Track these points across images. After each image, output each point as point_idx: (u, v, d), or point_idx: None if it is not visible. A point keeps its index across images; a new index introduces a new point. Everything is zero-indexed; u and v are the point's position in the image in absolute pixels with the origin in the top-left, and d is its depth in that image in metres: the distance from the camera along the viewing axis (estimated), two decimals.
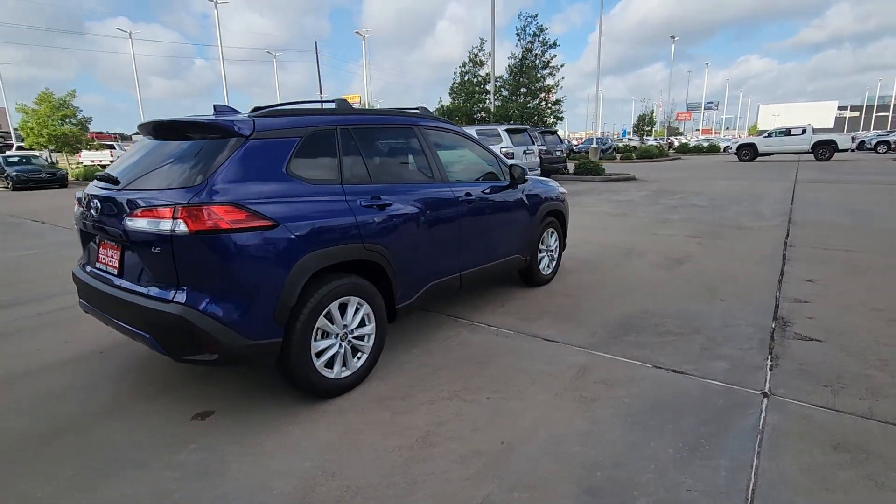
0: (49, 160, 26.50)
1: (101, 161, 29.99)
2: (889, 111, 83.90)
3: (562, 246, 5.03)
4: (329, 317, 2.60)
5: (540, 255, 4.65)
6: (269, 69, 43.28)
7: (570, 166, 18.54)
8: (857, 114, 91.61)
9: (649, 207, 9.88)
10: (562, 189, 5.05)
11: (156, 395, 2.83)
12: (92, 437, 2.43)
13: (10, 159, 21.06)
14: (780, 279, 4.78)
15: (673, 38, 45.09)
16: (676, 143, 49.68)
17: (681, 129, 79.14)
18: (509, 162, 4.18)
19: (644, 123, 49.09)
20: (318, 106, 3.13)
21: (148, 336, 2.30)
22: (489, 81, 20.42)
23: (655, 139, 53.65)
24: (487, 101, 20.46)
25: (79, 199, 2.75)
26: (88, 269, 2.76)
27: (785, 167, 20.27)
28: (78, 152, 30.12)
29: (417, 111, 3.57)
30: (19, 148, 31.40)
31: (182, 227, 2.12)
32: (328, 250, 2.51)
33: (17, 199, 15.15)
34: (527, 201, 4.27)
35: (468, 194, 3.54)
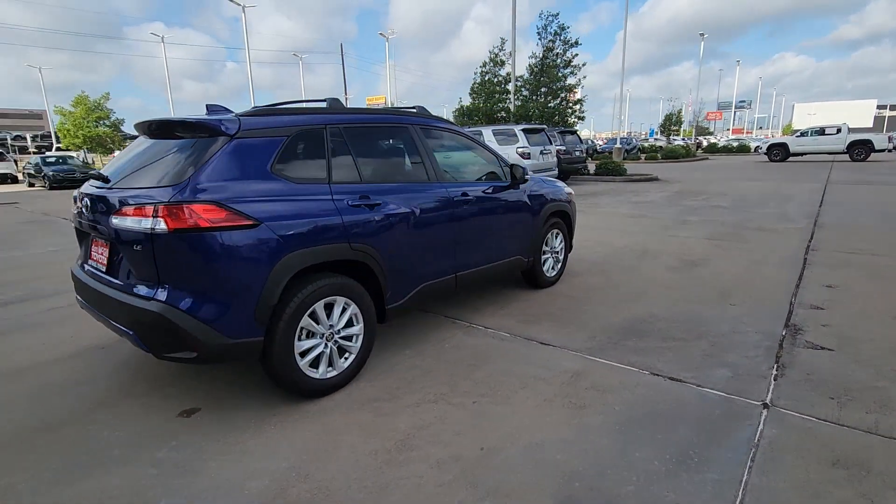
0: (84, 160, 27.54)
1: None
2: None
3: (568, 247, 4.93)
4: (314, 316, 2.59)
5: (544, 257, 4.56)
6: (297, 71, 44.05)
7: (592, 167, 18.28)
8: None
9: (669, 209, 9.63)
10: (568, 189, 4.95)
11: (148, 390, 2.87)
12: (82, 430, 2.48)
13: (48, 160, 21.99)
14: (797, 284, 4.57)
15: (702, 35, 43.86)
16: (705, 143, 48.42)
17: (711, 129, 77.14)
18: (511, 161, 4.11)
19: (671, 123, 47.95)
20: (317, 105, 3.13)
21: (132, 333, 2.33)
22: (510, 81, 20.26)
23: (683, 139, 52.42)
24: (508, 102, 20.30)
25: (74, 198, 2.82)
26: (84, 266, 2.82)
27: (817, 168, 19.50)
28: (111, 153, 31.22)
29: (414, 110, 3.54)
30: (58, 149, 32.76)
31: (162, 225, 2.14)
32: (311, 250, 2.50)
33: (53, 198, 15.79)
34: (529, 202, 4.19)
35: (465, 194, 3.49)
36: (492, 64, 21.25)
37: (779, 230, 7.13)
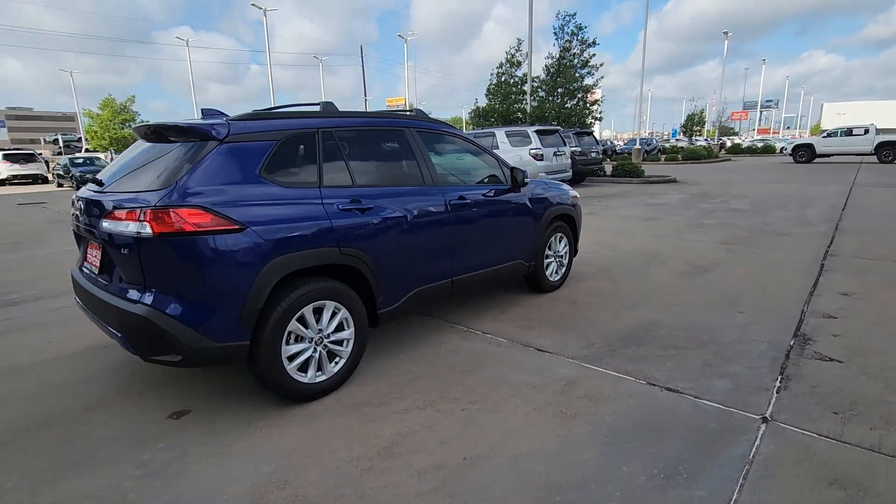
0: (110, 161, 28.32)
1: None
2: None
3: (572, 252, 4.85)
4: (302, 321, 2.59)
5: (547, 261, 4.49)
6: (318, 73, 44.54)
7: (609, 168, 18.04)
8: None
9: (684, 211, 9.42)
10: (573, 193, 4.87)
11: (143, 391, 2.91)
12: (74, 430, 2.52)
13: (76, 161, 22.71)
14: (811, 291, 4.41)
15: (726, 33, 42.89)
16: (728, 144, 47.34)
17: (736, 129, 75.40)
18: (514, 164, 4.05)
19: (693, 123, 46.99)
20: (317, 109, 3.12)
21: (120, 335, 2.36)
22: (526, 82, 20.13)
23: (706, 139, 51.34)
24: (524, 103, 20.16)
25: (72, 202, 2.87)
26: (82, 269, 2.87)
27: (844, 169, 18.89)
28: None
29: (411, 113, 3.52)
30: (86, 150, 33.77)
31: (147, 229, 2.16)
32: (299, 254, 2.50)
33: None
34: (530, 205, 4.13)
35: (461, 198, 3.46)
36: (508, 65, 21.15)
37: (797, 234, 6.91)
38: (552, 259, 4.56)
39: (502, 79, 21.31)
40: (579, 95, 20.57)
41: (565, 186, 4.86)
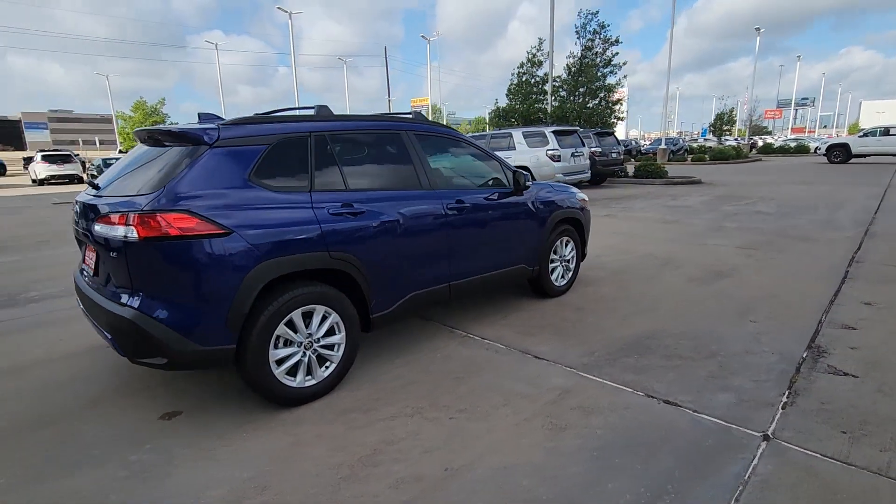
0: None
1: None
2: None
3: (580, 256, 4.74)
4: (291, 325, 2.59)
5: (552, 265, 4.41)
6: (346, 74, 45.06)
7: (631, 169, 17.68)
8: None
9: (706, 214, 9.15)
10: (581, 195, 4.76)
11: (139, 389, 2.96)
12: (70, 428, 2.57)
13: (109, 162, 23.54)
14: (832, 300, 4.20)
15: (758, 30, 41.53)
16: (760, 143, 45.89)
17: (769, 128, 73.05)
18: (513, 167, 3.98)
19: (722, 122, 45.68)
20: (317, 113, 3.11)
21: (109, 337, 2.40)
22: (547, 82, 19.90)
23: (736, 139, 49.89)
24: (544, 103, 19.94)
25: (72, 205, 2.94)
26: (82, 272, 2.94)
27: (881, 170, 18.05)
28: None
29: (411, 116, 3.49)
30: (120, 152, 34.95)
31: (133, 233, 2.18)
32: (286, 258, 2.50)
33: None
34: (534, 208, 4.05)
35: (460, 201, 3.41)
36: (529, 64, 20.95)
37: (823, 239, 6.61)
38: (558, 263, 4.47)
39: (523, 79, 21.12)
40: (601, 95, 20.21)
41: (573, 189, 4.75)
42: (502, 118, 20.77)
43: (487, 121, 24.69)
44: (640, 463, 2.17)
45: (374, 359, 3.30)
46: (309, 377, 2.71)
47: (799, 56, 61.76)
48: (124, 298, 2.31)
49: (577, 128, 13.09)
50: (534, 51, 20.77)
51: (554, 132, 11.38)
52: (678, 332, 3.63)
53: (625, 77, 20.46)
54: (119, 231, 2.22)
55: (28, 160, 31.95)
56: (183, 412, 2.70)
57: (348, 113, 3.22)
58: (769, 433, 2.36)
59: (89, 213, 2.54)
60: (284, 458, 2.27)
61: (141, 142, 2.91)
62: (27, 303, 4.78)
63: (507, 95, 21.42)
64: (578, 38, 20.21)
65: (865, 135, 22.50)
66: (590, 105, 20.09)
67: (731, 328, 3.67)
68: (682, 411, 2.58)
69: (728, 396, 2.71)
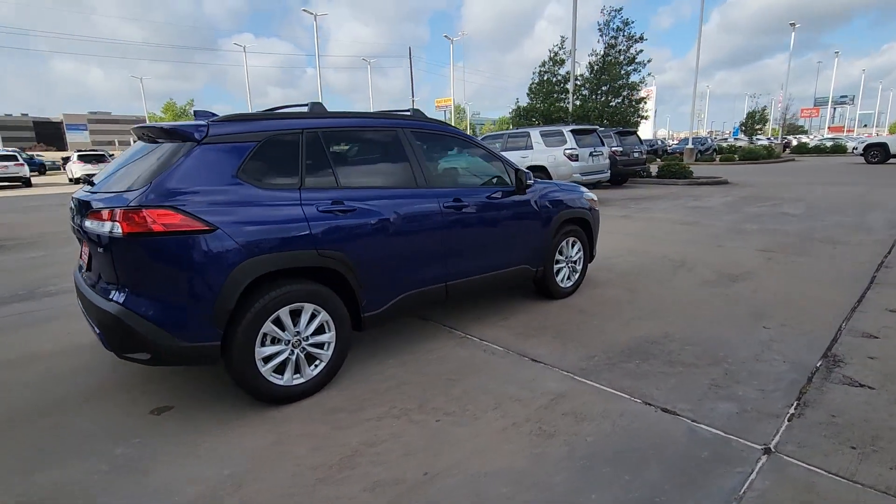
0: None
1: None
2: None
3: (588, 257, 4.62)
4: (278, 322, 2.57)
5: (557, 266, 4.30)
6: (371, 75, 45.53)
7: (655, 169, 17.28)
8: None
9: (728, 216, 8.84)
10: (590, 195, 4.64)
11: (136, 383, 2.99)
12: (64, 420, 2.62)
13: None
14: (854, 306, 3.98)
15: (793, 25, 40.06)
16: (794, 143, 44.29)
17: (805, 127, 70.41)
18: (516, 166, 3.90)
19: (754, 121, 44.18)
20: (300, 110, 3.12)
21: (98, 332, 2.42)
22: (569, 80, 19.60)
23: (769, 138, 48.23)
24: (566, 102, 19.65)
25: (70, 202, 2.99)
26: (80, 268, 2.99)
27: None
28: None
29: (408, 113, 3.45)
30: None
31: (118, 229, 2.20)
32: (272, 256, 2.48)
33: None
34: (537, 207, 3.96)
35: (457, 199, 3.35)
36: (551, 63, 20.67)
37: (851, 242, 6.30)
38: (563, 264, 4.36)
39: (545, 77, 20.85)
40: (625, 93, 19.80)
41: (581, 188, 4.64)
42: (523, 118, 20.54)
43: (509, 120, 24.45)
44: (628, 473, 2.08)
45: (369, 358, 3.27)
46: (297, 375, 2.69)
47: (837, 52, 59.46)
48: (111, 294, 2.33)
49: (596, 127, 12.82)
50: (556, 49, 20.49)
51: (572, 131, 11.18)
52: (684, 336, 3.49)
53: (649, 75, 20.01)
54: (106, 227, 2.24)
55: (66, 160, 33.30)
56: (174, 407, 2.72)
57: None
58: (771, 446, 2.23)
59: (83, 209, 2.58)
60: (265, 457, 2.25)
61: (139, 139, 2.94)
62: (43, 297, 4.93)
63: (528, 95, 21.19)
64: (602, 35, 19.86)
65: None
66: (612, 104, 19.70)
67: (741, 334, 3.50)
68: (680, 420, 2.46)
69: (730, 406, 2.58)
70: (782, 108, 46.06)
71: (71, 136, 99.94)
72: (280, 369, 2.63)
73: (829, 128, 71.43)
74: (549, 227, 4.07)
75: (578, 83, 20.14)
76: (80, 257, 2.87)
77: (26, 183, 22.18)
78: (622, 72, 19.52)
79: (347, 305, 2.85)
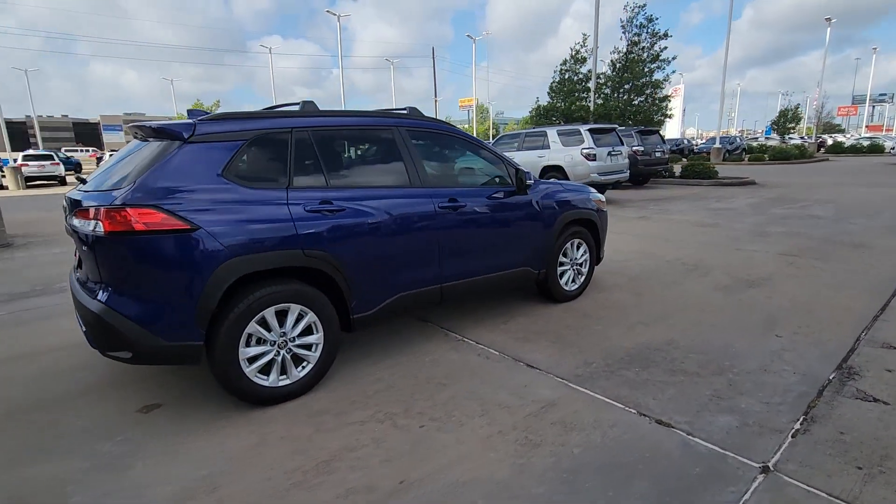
0: None
1: None
2: None
3: (594, 259, 4.49)
4: (263, 323, 2.55)
5: (562, 269, 4.19)
6: (395, 75, 45.80)
7: (679, 169, 16.84)
8: None
9: (751, 217, 8.53)
10: (597, 196, 4.51)
11: (128, 381, 3.02)
12: (55, 416, 2.65)
13: None
14: (876, 315, 3.76)
15: (828, 20, 38.55)
16: (829, 142, 42.61)
17: (842, 126, 67.71)
18: (517, 166, 3.80)
19: (786, 120, 42.67)
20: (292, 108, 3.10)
21: (84, 330, 2.44)
22: (590, 79, 19.27)
23: (802, 137, 46.58)
24: (587, 100, 19.31)
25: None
26: (74, 267, 3.03)
27: None
28: None
29: (405, 112, 3.39)
30: None
31: (100, 227, 2.21)
32: (256, 256, 2.46)
33: None
34: (539, 208, 3.86)
35: (453, 199, 3.28)
36: (572, 61, 20.35)
37: (879, 247, 5.99)
38: (568, 267, 4.25)
39: (566, 76, 20.54)
40: (647, 91, 19.33)
41: (588, 189, 4.51)
42: (542, 117, 20.28)
43: (529, 119, 24.23)
44: (612, 489, 1.98)
45: (361, 359, 3.23)
46: (283, 377, 2.67)
47: (875, 48, 56.89)
48: (95, 292, 2.34)
49: (615, 125, 12.52)
50: (577, 47, 20.15)
51: (590, 130, 10.95)
52: (689, 344, 3.34)
53: (674, 72, 19.53)
54: (90, 225, 2.26)
55: (99, 159, 34.52)
56: (163, 405, 2.73)
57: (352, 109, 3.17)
58: (770, 464, 2.09)
59: (73, 208, 2.61)
60: (243, 459, 2.23)
61: (134, 137, 2.97)
62: (57, 292, 5.05)
63: (548, 93, 20.90)
64: (624, 32, 19.43)
65: None
66: (635, 102, 19.28)
67: (750, 343, 3.34)
68: (674, 433, 2.35)
69: (730, 419, 2.45)
70: (817, 105, 44.43)
71: (107, 137, 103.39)
72: (266, 370, 2.61)
73: (867, 126, 68.55)
74: (553, 229, 3.97)
75: (600, 81, 19.77)
76: (75, 255, 2.91)
77: (61, 181, 23.02)
78: (645, 69, 19.07)
79: (337, 306, 2.82)
